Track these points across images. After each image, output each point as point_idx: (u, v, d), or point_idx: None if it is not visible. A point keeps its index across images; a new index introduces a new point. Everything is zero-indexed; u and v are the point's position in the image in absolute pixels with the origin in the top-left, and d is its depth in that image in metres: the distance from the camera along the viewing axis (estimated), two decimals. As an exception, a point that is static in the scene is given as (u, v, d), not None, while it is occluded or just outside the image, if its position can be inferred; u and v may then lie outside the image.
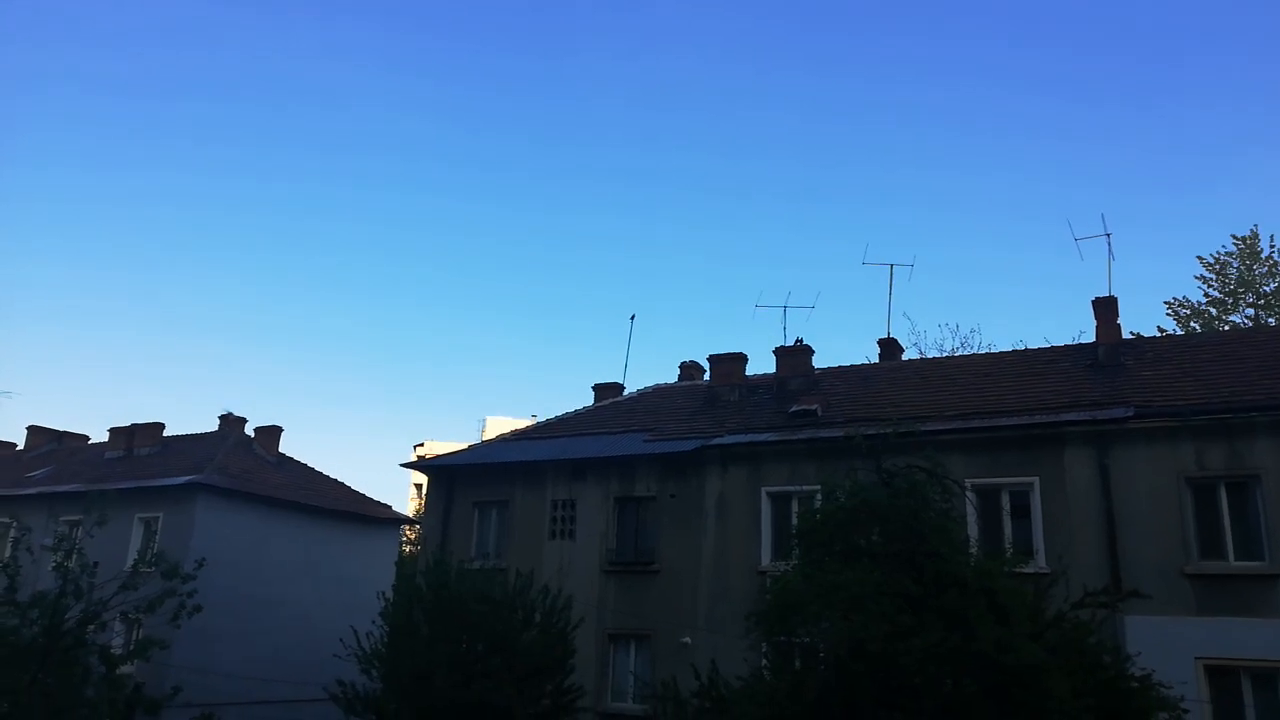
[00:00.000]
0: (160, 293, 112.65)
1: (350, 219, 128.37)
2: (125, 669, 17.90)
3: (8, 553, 18.80)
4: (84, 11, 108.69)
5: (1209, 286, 31.34)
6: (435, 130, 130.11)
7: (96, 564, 17.47)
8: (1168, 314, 31.42)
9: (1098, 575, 14.46)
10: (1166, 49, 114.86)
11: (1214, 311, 30.76)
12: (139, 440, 30.24)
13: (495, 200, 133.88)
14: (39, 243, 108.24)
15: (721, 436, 19.40)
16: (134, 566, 19.07)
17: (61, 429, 35.17)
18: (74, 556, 17.49)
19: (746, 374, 22.72)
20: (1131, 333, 25.58)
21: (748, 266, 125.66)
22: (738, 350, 22.79)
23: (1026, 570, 13.17)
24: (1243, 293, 30.73)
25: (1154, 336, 24.19)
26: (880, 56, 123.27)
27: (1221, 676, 14.08)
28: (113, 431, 31.29)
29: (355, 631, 16.15)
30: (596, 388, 25.55)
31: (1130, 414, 15.87)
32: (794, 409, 19.80)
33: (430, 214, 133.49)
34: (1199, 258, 31.96)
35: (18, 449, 35.14)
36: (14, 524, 22.55)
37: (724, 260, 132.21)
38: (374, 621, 16.53)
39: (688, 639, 17.61)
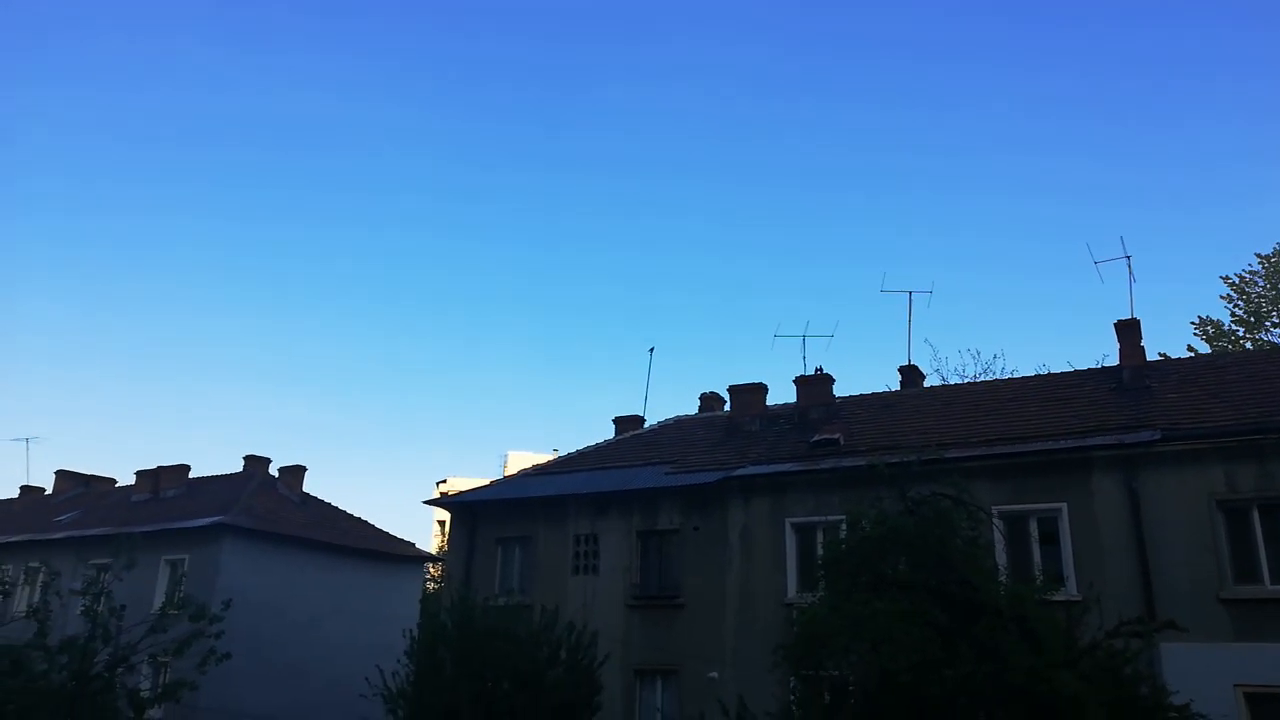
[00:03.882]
0: (185, 335, 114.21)
1: (371, 260, 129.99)
2: (153, 712, 17.91)
3: (37, 597, 18.93)
4: (102, 57, 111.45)
5: (1234, 305, 31.06)
6: (452, 167, 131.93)
7: (124, 607, 17.58)
8: (1195, 333, 31.18)
9: (1130, 602, 14.22)
10: (1187, 66, 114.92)
11: (1241, 331, 30.44)
12: (165, 482, 30.51)
13: (513, 236, 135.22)
14: (64, 288, 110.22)
15: (744, 467, 19.33)
16: (161, 609, 19.16)
17: (89, 473, 35.53)
18: (102, 600, 17.59)
19: (767, 404, 22.67)
20: (1160, 354, 25.36)
21: (766, 297, 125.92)
22: (758, 380, 22.76)
23: (1057, 598, 12.97)
24: (1268, 311, 30.39)
25: (1178, 358, 23.93)
26: (893, 81, 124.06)
27: (1263, 704, 13.75)
28: (139, 474, 31.60)
29: (381, 670, 16.11)
30: (617, 420, 25.56)
31: (1157, 437, 15.69)
32: (816, 438, 19.72)
33: (450, 251, 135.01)
34: (1223, 277, 31.72)
35: (46, 493, 35.54)
36: (43, 568, 22.78)
37: (742, 291, 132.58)
38: (399, 660, 16.50)
39: (715, 674, 17.43)
